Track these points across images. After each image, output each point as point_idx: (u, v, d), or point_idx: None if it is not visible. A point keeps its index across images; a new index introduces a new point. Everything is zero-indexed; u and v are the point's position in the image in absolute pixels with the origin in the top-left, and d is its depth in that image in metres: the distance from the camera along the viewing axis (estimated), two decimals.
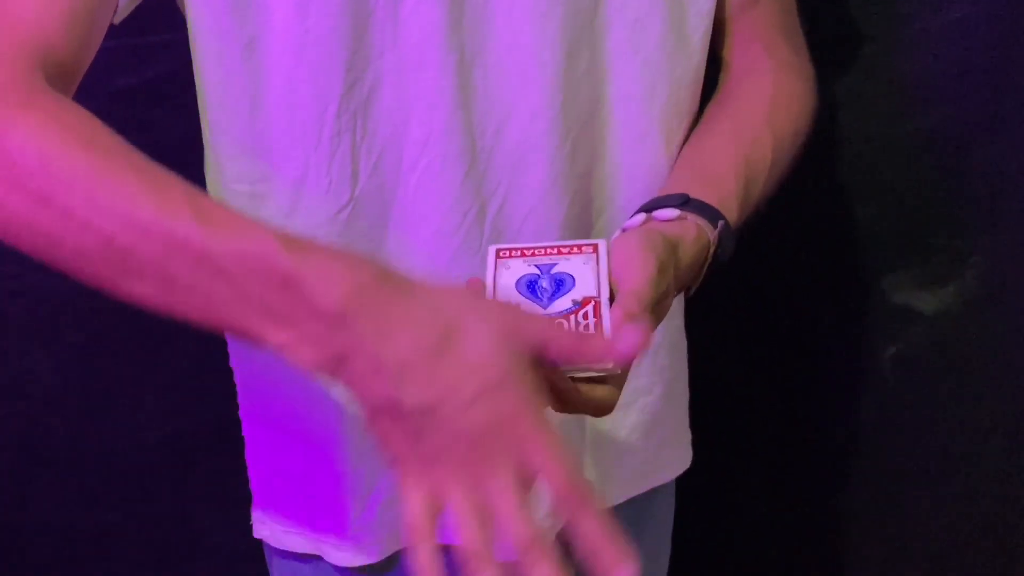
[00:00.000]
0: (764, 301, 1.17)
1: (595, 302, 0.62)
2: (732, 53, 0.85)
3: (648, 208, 0.72)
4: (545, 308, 0.62)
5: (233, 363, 0.88)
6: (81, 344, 1.19)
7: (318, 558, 0.85)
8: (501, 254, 0.67)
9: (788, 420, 1.20)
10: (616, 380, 0.62)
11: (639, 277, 0.63)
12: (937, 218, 1.09)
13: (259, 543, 0.95)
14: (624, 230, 0.70)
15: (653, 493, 0.92)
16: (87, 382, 1.20)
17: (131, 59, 1.06)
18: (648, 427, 0.87)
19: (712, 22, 0.82)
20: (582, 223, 0.78)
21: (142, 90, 1.08)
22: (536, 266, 0.65)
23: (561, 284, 0.64)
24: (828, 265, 1.14)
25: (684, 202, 0.71)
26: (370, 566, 0.83)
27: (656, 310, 0.64)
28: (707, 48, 0.83)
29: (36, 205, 0.56)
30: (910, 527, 1.19)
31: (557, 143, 0.75)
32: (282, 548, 0.87)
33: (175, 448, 1.23)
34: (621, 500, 0.88)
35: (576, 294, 0.63)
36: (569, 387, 0.59)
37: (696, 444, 0.98)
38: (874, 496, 1.19)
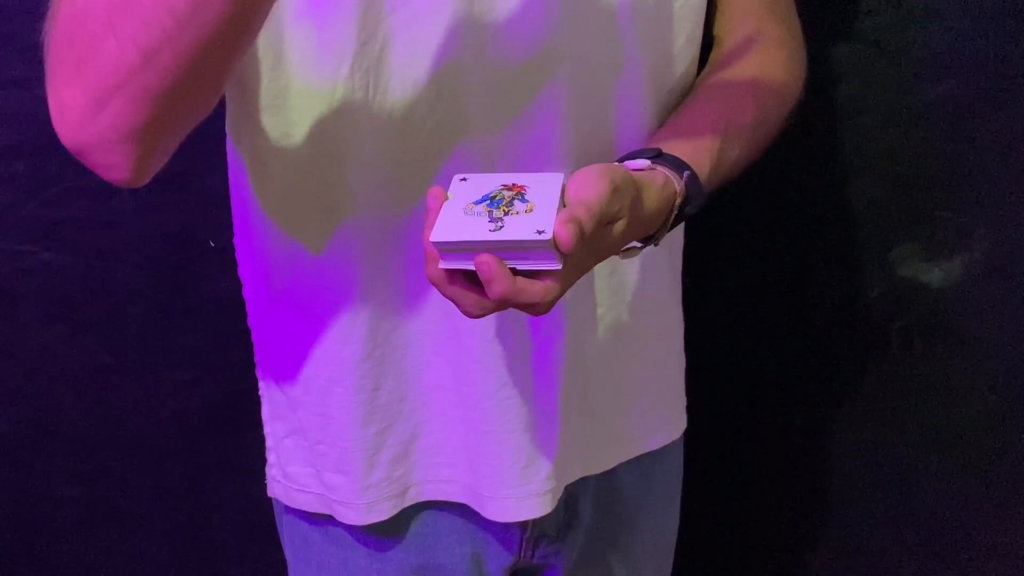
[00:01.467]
0: (770, 275, 1.17)
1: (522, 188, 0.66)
2: (724, 29, 0.88)
3: (622, 159, 0.74)
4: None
5: (251, 323, 0.89)
6: (95, 320, 1.20)
7: (328, 518, 0.87)
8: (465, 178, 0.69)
9: (793, 394, 1.20)
10: (556, 276, 0.63)
11: (590, 192, 0.64)
12: (942, 191, 1.09)
13: (272, 515, 0.96)
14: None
15: (658, 457, 0.94)
16: (101, 358, 1.22)
17: None
18: (645, 385, 0.90)
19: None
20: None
21: None
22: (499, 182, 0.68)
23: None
24: (833, 239, 1.14)
25: (656, 155, 0.74)
26: (379, 524, 0.85)
27: (604, 232, 0.65)
28: (702, 21, 0.85)
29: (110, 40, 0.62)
30: (916, 501, 1.19)
31: (564, 103, 0.76)
32: (295, 507, 0.88)
33: (189, 422, 1.24)
34: (623, 459, 0.90)
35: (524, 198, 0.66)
36: (508, 279, 0.62)
37: (700, 416, 0.99)
38: (880, 470, 1.19)
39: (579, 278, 0.67)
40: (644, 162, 0.72)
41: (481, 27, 0.74)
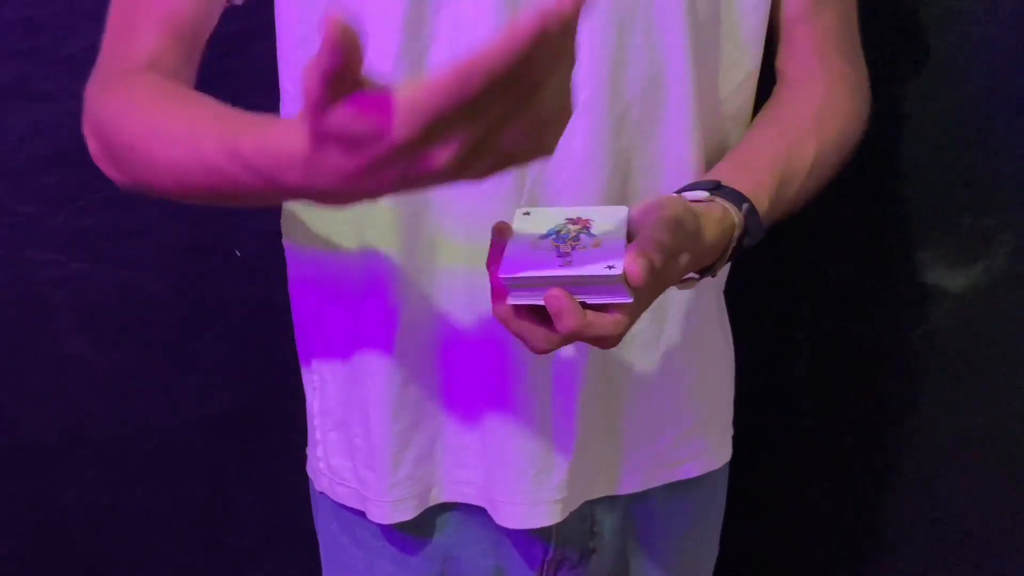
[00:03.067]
0: (791, 283, 1.17)
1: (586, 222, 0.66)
2: (788, 63, 0.87)
3: (680, 191, 0.73)
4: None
5: (297, 318, 0.91)
6: (121, 329, 1.22)
7: (358, 520, 0.88)
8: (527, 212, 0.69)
9: (817, 399, 1.20)
10: (625, 308, 0.63)
11: (656, 226, 0.64)
12: (964, 196, 1.09)
13: (298, 519, 0.97)
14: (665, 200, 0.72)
15: (696, 486, 0.91)
16: (128, 365, 1.23)
17: None
18: (683, 407, 0.88)
19: (765, 27, 0.83)
20: (619, 199, 0.79)
21: None
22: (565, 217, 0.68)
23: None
24: (856, 245, 1.14)
25: (715, 187, 0.73)
26: (404, 529, 0.86)
27: (670, 265, 0.65)
28: (760, 56, 0.84)
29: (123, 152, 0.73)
30: (940, 506, 1.19)
31: (601, 113, 0.77)
32: (337, 500, 0.89)
33: (215, 429, 1.25)
34: (655, 484, 0.89)
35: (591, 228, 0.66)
36: (578, 313, 0.61)
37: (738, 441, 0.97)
38: (903, 475, 1.19)
39: (645, 310, 0.66)
40: (703, 193, 0.72)
41: None
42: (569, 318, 0.61)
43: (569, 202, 0.78)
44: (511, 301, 0.63)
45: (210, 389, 1.24)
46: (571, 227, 0.65)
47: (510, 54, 0.47)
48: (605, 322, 0.62)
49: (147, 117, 0.71)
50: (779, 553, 1.27)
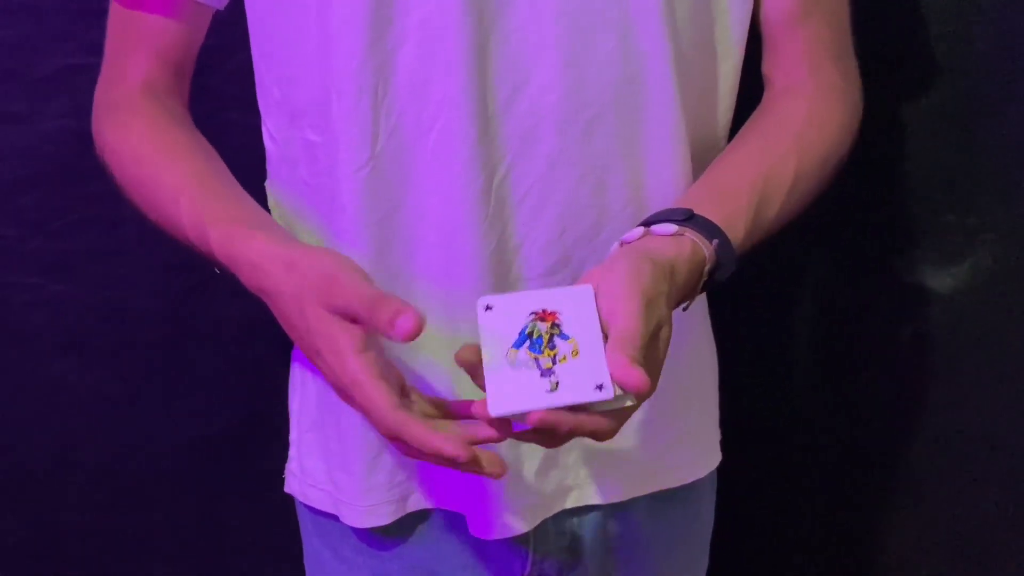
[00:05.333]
0: (778, 285, 1.17)
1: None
2: (775, 70, 0.85)
3: (649, 222, 0.72)
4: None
5: None
6: (106, 350, 1.21)
7: (336, 534, 0.87)
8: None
9: (805, 403, 1.20)
10: (616, 414, 0.64)
11: (628, 322, 0.62)
12: (948, 196, 1.09)
13: (290, 541, 0.96)
14: (621, 243, 0.71)
15: (682, 495, 0.90)
16: (114, 387, 1.22)
17: None
18: (666, 413, 0.86)
19: (749, 20, 0.82)
20: (592, 205, 0.78)
21: None
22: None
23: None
24: (840, 247, 1.14)
25: (687, 218, 0.71)
26: (383, 528, 0.85)
27: (651, 344, 0.64)
28: (741, 60, 0.83)
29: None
30: (929, 507, 1.18)
31: (567, 119, 0.76)
32: (308, 504, 0.89)
33: (203, 449, 1.25)
34: (637, 494, 0.87)
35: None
36: (573, 421, 0.61)
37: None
38: (893, 476, 1.19)
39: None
40: (671, 227, 0.70)
41: (488, 36, 0.74)
42: (563, 428, 0.62)
43: (533, 207, 0.77)
44: (495, 415, 0.62)
45: (199, 410, 1.24)
46: (540, 325, 0.63)
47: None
48: (600, 423, 0.64)
49: (137, 166, 0.79)
50: (770, 561, 1.27)
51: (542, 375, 0.61)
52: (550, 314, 0.64)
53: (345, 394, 0.67)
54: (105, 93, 0.84)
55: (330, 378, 0.68)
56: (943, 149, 1.08)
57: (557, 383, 0.60)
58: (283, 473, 0.92)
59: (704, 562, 0.96)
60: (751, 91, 0.86)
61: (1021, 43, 1.03)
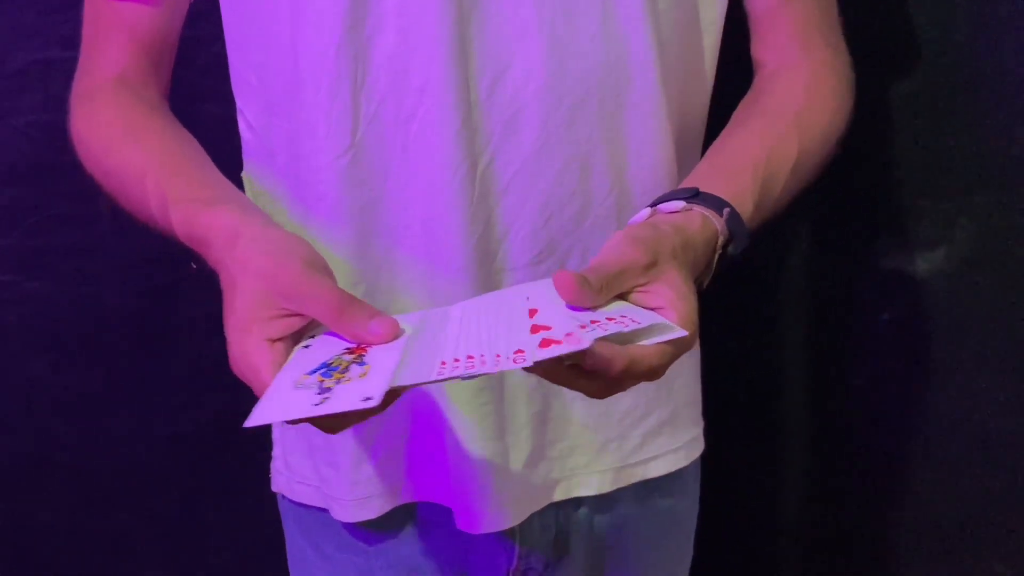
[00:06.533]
0: (755, 272, 1.17)
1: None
2: (766, 52, 0.85)
3: (656, 202, 0.71)
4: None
5: None
6: (82, 347, 1.20)
7: (321, 534, 0.87)
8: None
9: (783, 390, 1.20)
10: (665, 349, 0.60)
11: (606, 257, 0.62)
12: (922, 181, 1.09)
13: (270, 538, 0.96)
14: (629, 226, 0.68)
15: (665, 484, 0.90)
16: (91, 385, 1.21)
17: None
18: (645, 402, 0.86)
19: (725, 7, 0.82)
20: (577, 191, 0.78)
21: None
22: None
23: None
24: (816, 234, 1.15)
25: (693, 195, 0.70)
26: (371, 522, 0.84)
27: (688, 298, 0.62)
28: (720, 37, 0.82)
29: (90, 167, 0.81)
30: (909, 493, 1.19)
31: (551, 104, 0.75)
32: (295, 499, 0.88)
33: (183, 446, 1.24)
34: (621, 484, 0.87)
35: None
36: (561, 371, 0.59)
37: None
38: (872, 462, 1.20)
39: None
40: (679, 203, 0.68)
41: (469, 21, 0.74)
42: (616, 369, 0.58)
43: (518, 193, 0.77)
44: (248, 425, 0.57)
45: (175, 407, 1.23)
46: (346, 357, 0.60)
47: None
48: (652, 359, 0.60)
49: (106, 155, 0.78)
50: (754, 549, 1.27)
51: (318, 392, 0.57)
52: (360, 348, 0.61)
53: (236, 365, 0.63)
54: (79, 85, 0.83)
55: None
56: (918, 134, 1.08)
57: (327, 399, 0.57)
58: (260, 471, 0.92)
59: (689, 551, 0.96)
60: (731, 75, 0.86)
61: (991, 29, 1.04)
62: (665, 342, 0.60)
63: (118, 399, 1.22)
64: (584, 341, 0.55)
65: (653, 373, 0.60)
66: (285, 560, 0.94)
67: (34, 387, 1.21)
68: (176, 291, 1.19)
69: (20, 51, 1.08)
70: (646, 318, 0.60)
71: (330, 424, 0.60)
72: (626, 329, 0.58)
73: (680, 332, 0.60)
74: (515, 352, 0.56)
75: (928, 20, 1.05)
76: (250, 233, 0.66)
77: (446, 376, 0.56)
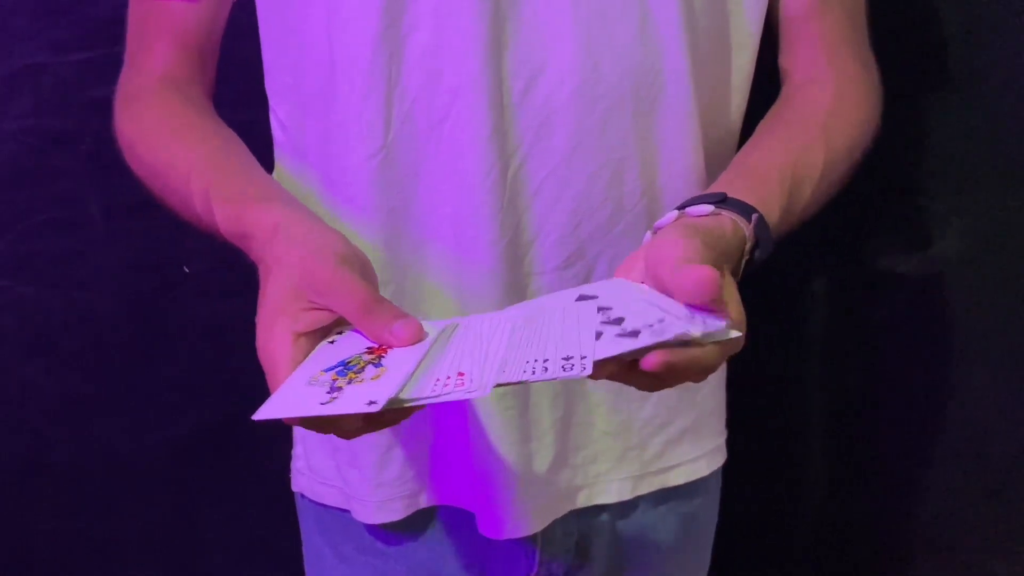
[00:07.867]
0: (751, 273, 1.17)
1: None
2: (795, 64, 0.84)
3: (683, 206, 0.69)
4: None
5: None
6: (74, 352, 1.20)
7: (349, 514, 0.86)
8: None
9: (777, 390, 1.21)
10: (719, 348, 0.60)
11: (679, 250, 0.60)
12: (914, 181, 1.09)
13: (264, 541, 0.96)
14: (655, 229, 0.67)
15: (687, 493, 0.90)
16: (83, 389, 1.21)
17: (107, 69, 1.07)
18: (669, 410, 0.86)
19: (763, 20, 0.81)
20: (608, 197, 0.78)
21: None
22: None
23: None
24: (808, 235, 1.14)
25: (720, 200, 0.68)
26: (391, 525, 0.84)
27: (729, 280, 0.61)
28: (756, 53, 0.82)
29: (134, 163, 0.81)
30: (905, 490, 1.19)
31: (584, 109, 0.75)
32: (317, 500, 0.88)
33: (176, 450, 1.24)
34: (642, 492, 0.87)
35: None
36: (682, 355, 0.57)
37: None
38: (867, 462, 1.20)
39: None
40: (707, 208, 0.67)
41: (504, 24, 0.73)
42: (678, 368, 0.57)
43: (549, 198, 0.76)
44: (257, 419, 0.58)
45: (168, 411, 1.23)
46: (365, 357, 0.60)
47: None
48: (709, 358, 0.59)
49: (152, 154, 0.77)
50: (771, 559, 1.27)
51: (328, 391, 0.57)
52: (380, 349, 0.61)
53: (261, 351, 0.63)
54: (125, 86, 0.83)
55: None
56: (907, 134, 1.08)
57: (334, 399, 0.56)
58: (253, 474, 0.92)
59: (707, 560, 0.96)
60: (763, 86, 0.85)
61: (982, 27, 1.04)
62: (720, 343, 0.59)
63: (111, 403, 1.22)
64: (667, 332, 0.55)
65: (705, 372, 0.60)
66: (281, 562, 0.94)
67: (27, 391, 1.21)
68: (167, 295, 1.19)
69: (11, 56, 1.08)
70: (712, 321, 0.59)
71: (337, 426, 0.59)
72: (696, 332, 0.57)
73: (735, 333, 0.59)
74: (581, 356, 0.55)
75: (922, 19, 1.05)
76: (290, 227, 0.65)
77: (518, 380, 0.55)
